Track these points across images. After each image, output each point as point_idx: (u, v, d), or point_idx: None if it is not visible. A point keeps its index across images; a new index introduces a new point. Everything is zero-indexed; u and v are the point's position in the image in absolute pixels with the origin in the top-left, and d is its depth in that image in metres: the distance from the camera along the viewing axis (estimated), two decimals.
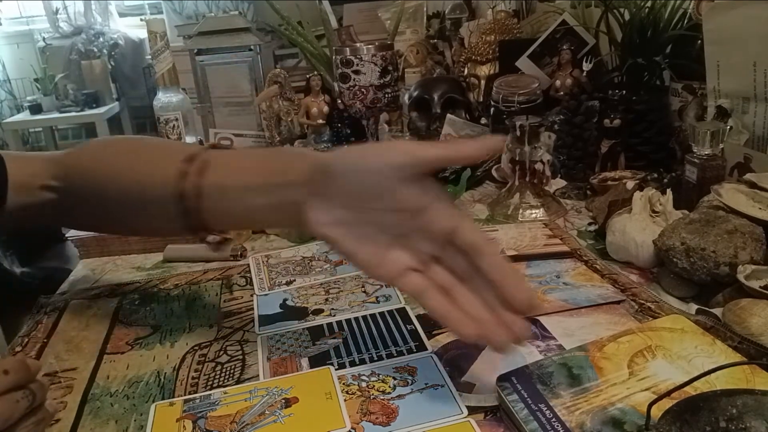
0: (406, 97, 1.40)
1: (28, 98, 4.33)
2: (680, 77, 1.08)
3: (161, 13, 4.25)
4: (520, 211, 0.97)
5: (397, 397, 0.56)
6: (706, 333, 0.57)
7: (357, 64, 1.14)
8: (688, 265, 0.69)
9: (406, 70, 1.59)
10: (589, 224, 0.93)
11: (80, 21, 4.42)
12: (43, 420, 0.47)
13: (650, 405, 0.45)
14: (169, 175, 0.59)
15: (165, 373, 0.64)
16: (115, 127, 4.51)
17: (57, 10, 4.47)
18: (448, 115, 1.31)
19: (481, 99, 1.37)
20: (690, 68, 1.05)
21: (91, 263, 0.94)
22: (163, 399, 0.60)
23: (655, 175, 0.96)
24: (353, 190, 0.51)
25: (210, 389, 0.60)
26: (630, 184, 0.89)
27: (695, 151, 0.84)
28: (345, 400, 0.56)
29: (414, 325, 0.68)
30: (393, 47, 1.20)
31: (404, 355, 0.63)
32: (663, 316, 0.63)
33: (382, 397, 0.56)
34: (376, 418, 0.54)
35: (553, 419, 0.49)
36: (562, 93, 1.19)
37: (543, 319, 0.67)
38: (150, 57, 1.49)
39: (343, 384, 0.59)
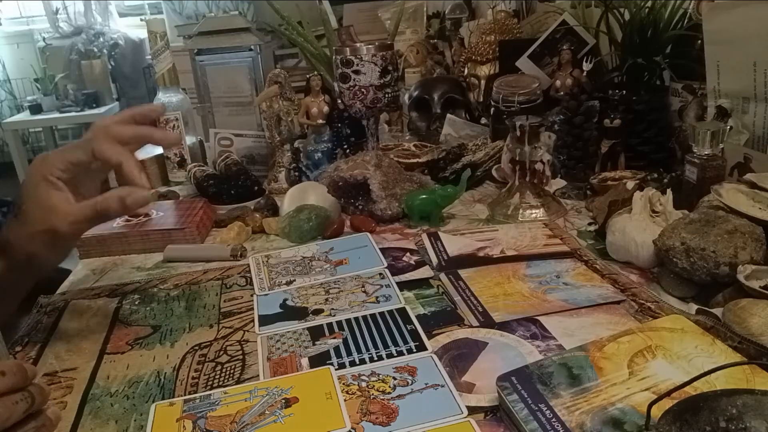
0: (406, 97, 1.41)
1: (28, 98, 4.33)
2: (680, 77, 1.08)
3: (161, 13, 4.25)
4: (520, 211, 0.97)
5: (397, 397, 0.56)
6: (706, 333, 0.57)
7: (357, 64, 1.14)
8: (688, 265, 0.69)
9: (406, 70, 1.59)
10: (589, 224, 0.94)
11: (80, 21, 4.42)
12: (43, 426, 0.46)
13: (650, 405, 0.45)
14: None
15: (165, 373, 0.64)
16: None
17: (57, 10, 4.47)
18: (448, 115, 1.31)
19: (481, 99, 1.37)
20: (690, 68, 1.05)
21: (91, 263, 0.94)
22: (163, 399, 0.60)
23: (655, 175, 0.96)
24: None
25: (210, 389, 0.60)
26: (630, 184, 0.89)
27: (695, 151, 0.84)
28: (345, 400, 0.56)
29: (414, 325, 0.68)
30: (393, 47, 1.20)
31: (404, 355, 0.63)
32: (663, 316, 0.63)
33: (382, 397, 0.56)
34: (376, 418, 0.54)
35: (553, 419, 0.49)
36: (562, 93, 1.19)
37: (543, 319, 0.67)
38: (150, 57, 1.49)
39: (343, 384, 0.59)
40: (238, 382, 0.62)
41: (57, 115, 4.24)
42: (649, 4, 1.09)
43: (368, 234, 0.93)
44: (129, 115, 0.76)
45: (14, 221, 0.70)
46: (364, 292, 0.77)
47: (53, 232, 0.68)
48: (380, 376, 0.60)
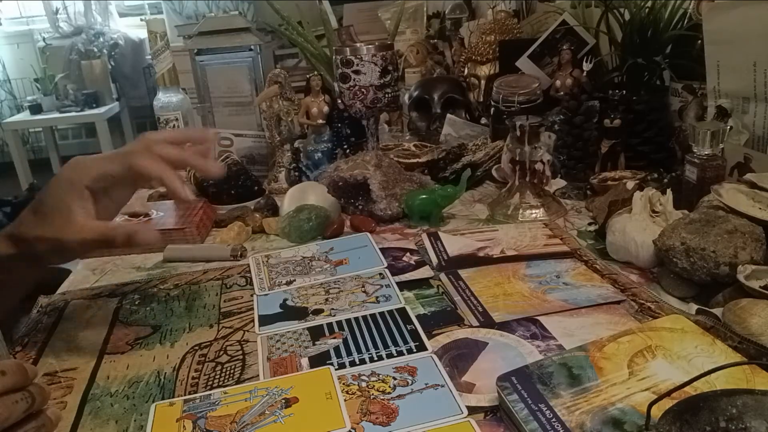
0: (406, 97, 1.41)
1: (28, 98, 4.33)
2: (680, 77, 1.08)
3: (161, 13, 4.25)
4: (520, 211, 0.97)
5: (397, 397, 0.56)
6: (706, 333, 0.57)
7: (357, 64, 1.14)
8: (688, 265, 0.69)
9: (406, 70, 1.59)
10: (589, 224, 0.94)
11: (80, 21, 4.42)
12: (43, 426, 0.46)
13: (650, 405, 0.45)
14: None
15: (165, 373, 0.64)
16: (115, 127, 4.51)
17: (57, 10, 4.47)
18: (448, 115, 1.31)
19: (481, 99, 1.37)
20: (690, 68, 1.05)
21: (91, 263, 0.94)
22: (163, 399, 0.60)
23: (655, 175, 0.96)
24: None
25: (210, 389, 0.60)
26: (630, 184, 0.89)
27: (695, 151, 0.84)
28: (345, 400, 0.56)
29: (414, 325, 0.68)
30: (393, 47, 1.20)
31: (404, 355, 0.63)
32: (663, 316, 0.63)
33: (382, 397, 0.56)
34: (376, 418, 0.54)
35: (553, 419, 0.49)
36: (562, 93, 1.19)
37: (543, 319, 0.67)
38: (150, 57, 1.49)
39: (343, 384, 0.59)
40: (238, 382, 0.62)
41: (57, 115, 4.24)
42: (649, 4, 1.09)
43: (368, 234, 0.93)
44: (180, 137, 0.75)
45: (30, 216, 0.68)
46: (364, 292, 0.77)
47: (60, 242, 0.66)
48: (380, 376, 0.60)
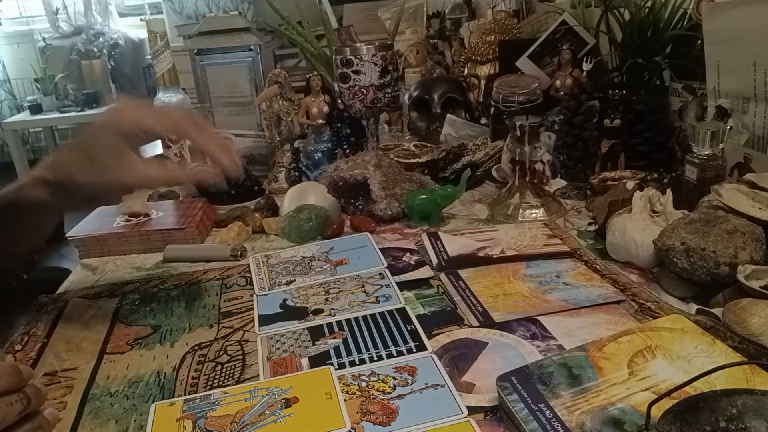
0: (406, 97, 1.41)
1: (28, 98, 4.33)
2: (680, 77, 1.08)
3: (161, 13, 4.24)
4: (520, 211, 0.97)
5: (397, 397, 0.56)
6: (706, 333, 0.57)
7: (357, 64, 1.14)
8: (688, 265, 0.69)
9: (406, 70, 1.59)
10: (589, 224, 0.94)
11: (80, 21, 4.42)
12: (40, 427, 0.46)
13: (650, 405, 0.45)
14: None
15: (165, 373, 0.64)
16: None
17: (57, 10, 4.47)
18: (448, 115, 1.31)
19: (481, 99, 1.37)
20: (690, 68, 1.05)
21: (91, 263, 0.94)
22: (163, 399, 0.60)
23: (655, 175, 0.96)
24: None
25: (210, 389, 0.60)
26: (630, 184, 0.89)
27: (695, 151, 0.84)
28: (345, 400, 0.56)
29: (414, 325, 0.68)
30: (393, 47, 1.20)
31: (404, 355, 0.63)
32: (663, 316, 0.63)
33: (382, 397, 0.56)
34: (376, 418, 0.54)
35: (553, 419, 0.49)
36: (562, 93, 1.19)
37: (543, 319, 0.67)
38: (150, 57, 1.49)
39: (343, 384, 0.59)
40: (238, 382, 0.62)
41: (57, 115, 4.24)
42: (649, 4, 1.09)
43: (368, 234, 0.93)
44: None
45: (78, 160, 0.69)
46: (364, 292, 0.77)
47: (119, 185, 0.71)
48: (380, 376, 0.60)
